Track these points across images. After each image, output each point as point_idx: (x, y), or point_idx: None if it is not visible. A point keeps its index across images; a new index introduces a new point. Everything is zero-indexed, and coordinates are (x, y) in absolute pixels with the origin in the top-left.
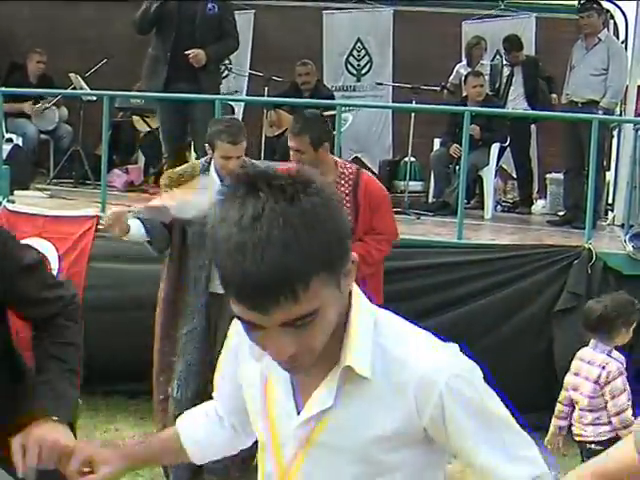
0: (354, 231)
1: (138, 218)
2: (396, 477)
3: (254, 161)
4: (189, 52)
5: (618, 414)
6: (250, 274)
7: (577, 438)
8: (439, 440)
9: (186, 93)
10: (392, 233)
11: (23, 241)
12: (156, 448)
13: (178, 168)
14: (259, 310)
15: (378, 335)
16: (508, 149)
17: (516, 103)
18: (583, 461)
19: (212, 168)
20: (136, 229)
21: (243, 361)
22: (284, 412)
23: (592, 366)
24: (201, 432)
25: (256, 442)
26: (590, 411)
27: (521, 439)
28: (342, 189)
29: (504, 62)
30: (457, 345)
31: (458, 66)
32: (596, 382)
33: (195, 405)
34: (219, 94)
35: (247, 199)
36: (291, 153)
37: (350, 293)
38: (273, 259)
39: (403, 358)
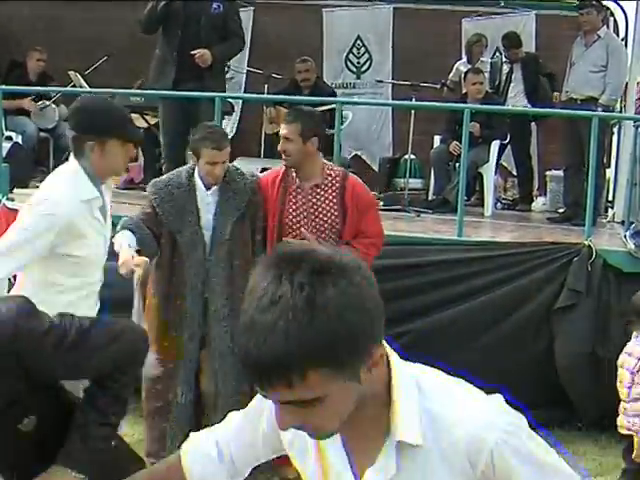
0: (341, 234)
1: (128, 228)
2: None
3: (234, 165)
4: (195, 52)
5: None
6: (250, 353)
7: (622, 430)
8: None
9: (191, 92)
10: (379, 236)
11: None
12: None
13: (164, 177)
14: (260, 386)
15: (424, 399)
16: (508, 147)
17: (516, 100)
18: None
19: (196, 176)
20: (126, 240)
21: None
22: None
23: (631, 357)
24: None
25: None
26: (633, 401)
27: None
28: (328, 192)
29: (504, 59)
30: (501, 396)
31: (458, 63)
32: (632, 372)
33: (196, 410)
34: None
35: (274, 281)
36: (280, 142)
37: (388, 361)
38: (272, 346)
39: (452, 420)
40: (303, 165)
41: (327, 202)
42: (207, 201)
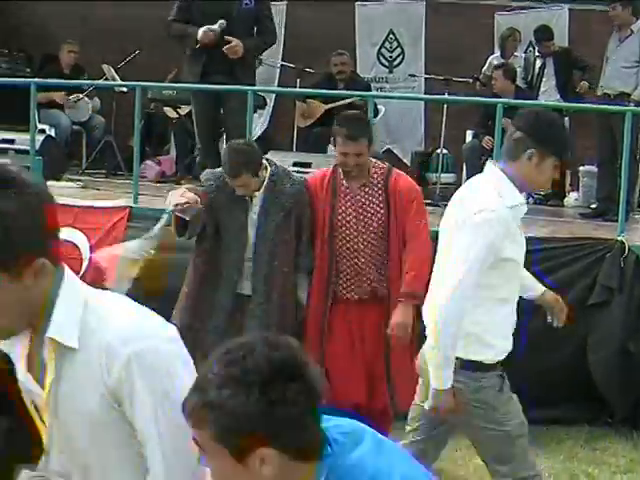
0: (388, 233)
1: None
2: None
3: (284, 167)
4: (228, 39)
5: None
6: None
7: None
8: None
9: (220, 84)
10: (422, 247)
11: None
12: None
13: (219, 169)
14: None
15: (87, 312)
16: None
17: (548, 95)
18: None
19: None
20: None
21: None
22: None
23: None
24: None
25: None
26: None
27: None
28: (374, 190)
29: (536, 54)
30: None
31: (491, 58)
32: None
33: None
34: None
35: None
36: (346, 159)
37: (62, 281)
38: None
39: (104, 330)
40: (367, 167)
41: (373, 200)
42: (255, 201)
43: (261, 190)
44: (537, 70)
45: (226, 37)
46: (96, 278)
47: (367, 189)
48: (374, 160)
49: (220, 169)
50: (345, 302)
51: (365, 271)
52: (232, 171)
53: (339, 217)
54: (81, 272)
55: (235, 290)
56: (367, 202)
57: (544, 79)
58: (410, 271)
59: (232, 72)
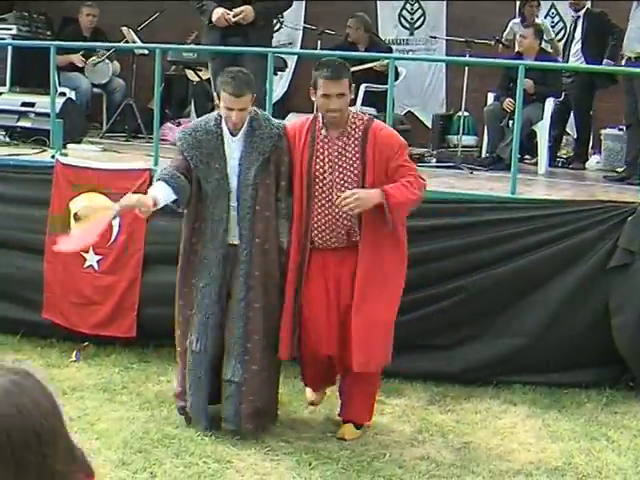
0: (363, 185)
1: (163, 179)
2: None
3: (258, 110)
4: (236, 12)
5: None
6: None
7: None
8: None
9: (238, 46)
10: (419, 175)
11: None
12: None
13: (191, 124)
14: None
15: None
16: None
17: (577, 58)
18: None
19: (223, 122)
20: (162, 193)
21: None
22: None
23: None
24: None
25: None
26: None
27: None
28: (351, 140)
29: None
30: None
31: (512, 22)
32: None
33: (214, 358)
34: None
35: None
36: (330, 100)
37: None
38: None
39: None
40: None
41: (350, 150)
42: (233, 147)
43: (239, 135)
44: (569, 32)
45: (234, 10)
46: None
47: (345, 139)
48: (355, 111)
49: (193, 123)
50: (320, 251)
51: (339, 220)
52: (237, 89)
53: (316, 166)
54: (112, 238)
55: (223, 243)
56: (344, 151)
57: (574, 41)
58: (400, 184)
59: (245, 35)
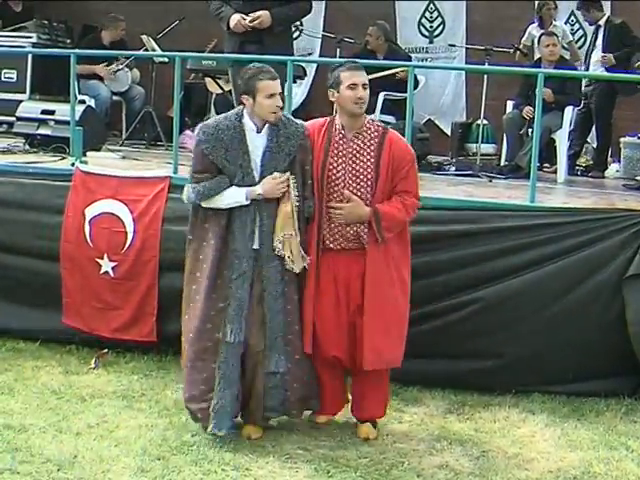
0: (375, 189)
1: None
2: None
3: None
4: (253, 17)
5: None
6: None
7: None
8: None
9: (255, 55)
10: (418, 198)
11: (97, 203)
12: None
13: (211, 121)
14: None
15: None
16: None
17: (596, 68)
18: None
19: (246, 117)
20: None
21: None
22: None
23: None
24: None
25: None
26: None
27: None
28: (367, 142)
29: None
30: None
31: (530, 27)
32: None
33: (245, 348)
34: (289, 55)
35: None
36: (357, 89)
37: None
38: None
39: None
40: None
41: (364, 153)
42: (257, 143)
43: (263, 132)
44: (590, 39)
45: (251, 15)
46: None
47: (359, 141)
48: (370, 117)
49: (213, 120)
50: (330, 252)
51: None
52: (273, 74)
53: (330, 166)
54: (127, 244)
55: (252, 235)
56: (358, 153)
57: (594, 50)
58: (392, 203)
59: (262, 42)
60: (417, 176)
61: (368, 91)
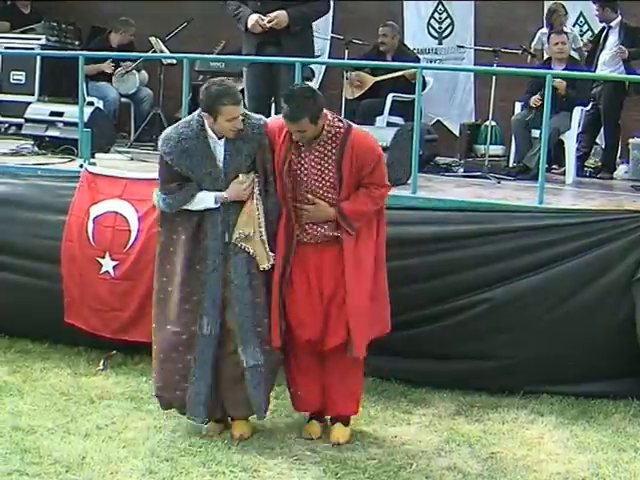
0: (339, 192)
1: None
2: None
3: (249, 113)
4: (270, 17)
5: None
6: None
7: None
8: None
9: (274, 56)
10: (388, 188)
11: (103, 202)
12: None
13: (172, 131)
14: None
15: None
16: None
17: (604, 69)
18: None
19: (206, 124)
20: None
21: None
22: None
23: None
24: None
25: None
26: None
27: None
28: (328, 148)
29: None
30: None
31: (540, 32)
32: None
33: (220, 341)
34: (309, 56)
35: None
36: (294, 135)
37: None
38: None
39: None
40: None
41: (326, 159)
42: (220, 149)
43: (223, 138)
44: (599, 40)
45: (268, 15)
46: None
47: (320, 148)
48: (333, 117)
49: (175, 129)
50: (303, 245)
51: (318, 222)
52: (236, 96)
53: (292, 172)
54: (130, 243)
55: (222, 234)
56: (319, 160)
57: (604, 51)
58: (357, 199)
59: (279, 43)
60: (384, 168)
61: (309, 132)
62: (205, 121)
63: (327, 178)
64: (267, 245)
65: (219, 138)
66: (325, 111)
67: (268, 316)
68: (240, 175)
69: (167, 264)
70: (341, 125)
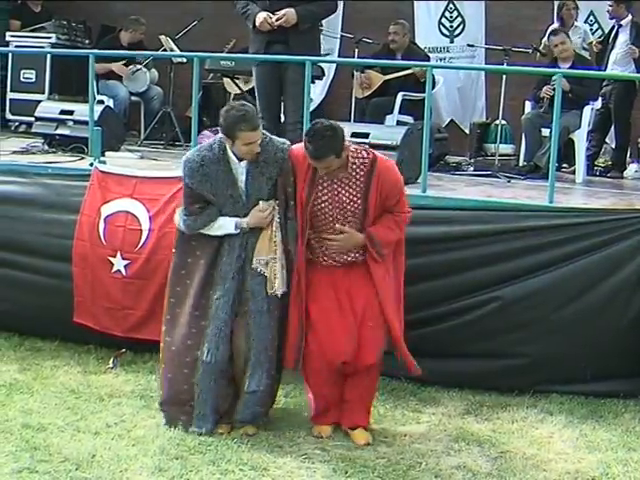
0: (364, 222)
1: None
2: None
3: (272, 137)
4: (279, 15)
5: None
6: None
7: None
8: None
9: (281, 55)
10: (405, 212)
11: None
12: None
13: (195, 154)
14: None
15: None
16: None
17: (614, 67)
18: None
19: (228, 149)
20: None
21: None
22: None
23: None
24: None
25: None
26: None
27: None
28: (352, 180)
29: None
30: None
31: (551, 28)
32: None
33: (223, 370)
34: (315, 55)
35: None
36: (319, 170)
37: None
38: None
39: None
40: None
41: (351, 191)
42: (241, 171)
43: (244, 161)
44: (610, 39)
45: (277, 13)
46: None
47: (345, 179)
48: (357, 148)
49: (197, 153)
50: (327, 267)
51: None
52: (253, 122)
53: (317, 200)
54: (141, 242)
55: (239, 258)
56: (344, 191)
57: (615, 49)
58: (387, 225)
59: (287, 42)
60: (405, 194)
61: (334, 166)
62: (227, 146)
63: (350, 208)
64: (285, 270)
65: (239, 160)
66: (347, 141)
67: (280, 339)
68: (261, 202)
69: (177, 286)
70: (366, 156)
